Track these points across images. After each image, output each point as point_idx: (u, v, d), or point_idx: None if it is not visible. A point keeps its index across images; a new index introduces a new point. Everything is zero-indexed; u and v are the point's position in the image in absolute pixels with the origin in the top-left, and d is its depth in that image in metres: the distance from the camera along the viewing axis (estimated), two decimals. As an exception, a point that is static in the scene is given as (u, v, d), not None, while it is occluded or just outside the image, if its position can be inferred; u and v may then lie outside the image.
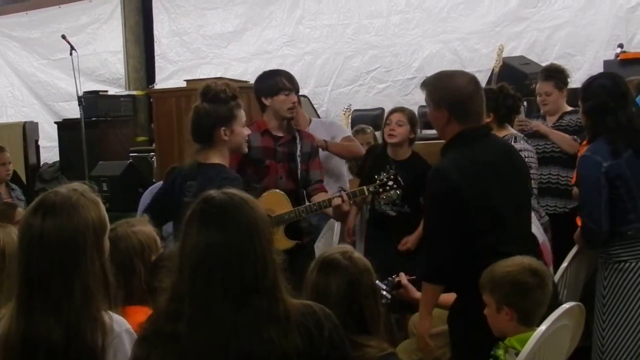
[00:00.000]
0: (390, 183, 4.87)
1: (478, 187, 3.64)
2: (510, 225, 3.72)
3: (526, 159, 5.08)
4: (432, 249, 3.83)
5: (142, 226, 3.18)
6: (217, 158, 4.28)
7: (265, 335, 2.19)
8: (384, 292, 3.95)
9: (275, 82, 5.14)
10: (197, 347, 2.18)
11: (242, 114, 4.35)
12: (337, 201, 4.87)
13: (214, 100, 4.26)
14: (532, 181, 5.12)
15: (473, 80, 3.86)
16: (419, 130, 7.73)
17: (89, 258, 2.50)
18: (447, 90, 3.79)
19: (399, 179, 4.87)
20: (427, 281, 3.81)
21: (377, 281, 3.95)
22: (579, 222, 5.00)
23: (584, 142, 5.35)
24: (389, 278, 4.07)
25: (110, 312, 2.54)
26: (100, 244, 2.56)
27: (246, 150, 4.55)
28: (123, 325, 2.54)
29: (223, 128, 4.25)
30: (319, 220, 5.92)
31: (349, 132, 6.73)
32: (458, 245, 3.66)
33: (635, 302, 4.22)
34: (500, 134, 5.19)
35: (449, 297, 3.87)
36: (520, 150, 5.09)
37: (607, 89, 4.38)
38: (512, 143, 5.13)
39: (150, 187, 6.70)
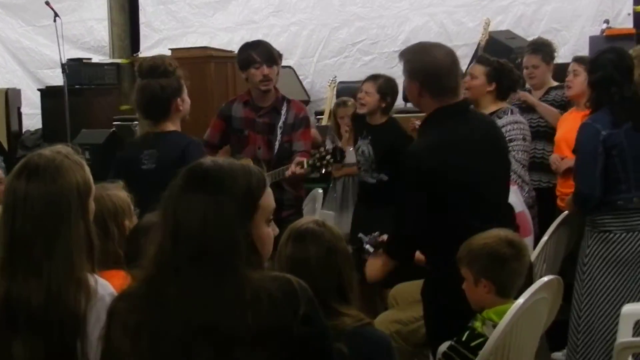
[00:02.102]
0: (328, 157, 4.86)
1: (452, 168, 3.65)
2: (486, 201, 3.74)
3: (513, 131, 5.09)
4: (398, 228, 3.86)
5: (116, 191, 3.19)
6: (171, 126, 4.44)
7: (238, 308, 2.15)
8: (367, 246, 3.97)
9: (247, 55, 5.21)
10: (172, 311, 2.16)
11: (184, 83, 4.50)
12: (290, 170, 4.89)
13: (164, 74, 4.38)
14: (525, 153, 5.14)
15: (450, 54, 3.84)
16: (404, 104, 7.77)
17: (74, 221, 2.51)
18: (421, 63, 3.79)
19: (338, 153, 4.87)
20: (387, 255, 3.84)
21: (360, 234, 3.99)
22: (559, 191, 5.04)
23: (567, 113, 5.38)
24: (373, 234, 4.07)
25: (96, 276, 2.54)
26: (85, 207, 2.57)
27: (187, 116, 4.60)
28: (107, 289, 2.54)
29: (178, 99, 4.40)
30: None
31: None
32: (423, 228, 3.71)
33: (616, 274, 4.26)
34: (496, 106, 5.18)
35: None
36: (509, 123, 5.11)
37: (614, 62, 4.45)
38: (503, 116, 5.14)
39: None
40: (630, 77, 4.46)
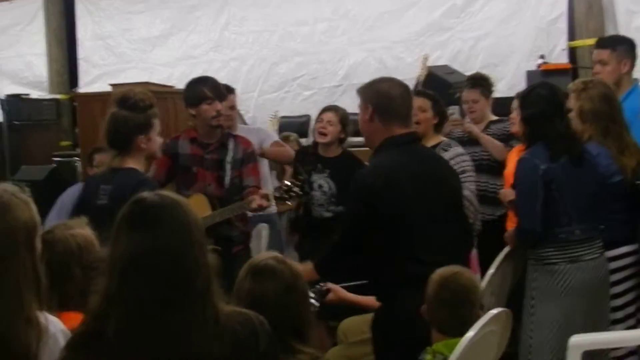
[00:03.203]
0: (296, 189, 4.87)
1: (397, 197, 3.70)
2: (431, 235, 3.77)
3: (464, 163, 5.17)
4: (335, 248, 3.92)
5: (80, 229, 3.12)
6: (132, 163, 4.30)
7: (193, 340, 2.17)
8: (313, 300, 3.98)
9: (198, 91, 5.18)
10: (122, 350, 2.16)
11: (157, 123, 4.39)
12: (255, 202, 4.88)
13: (133, 108, 4.28)
14: (473, 184, 5.22)
15: (403, 86, 3.98)
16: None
17: (21, 258, 2.47)
18: (375, 89, 3.93)
19: (306, 187, 4.89)
20: (317, 272, 3.94)
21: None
22: (508, 226, 5.10)
23: (516, 148, 5.46)
24: (317, 286, 4.10)
25: (46, 313, 2.51)
26: (33, 245, 2.54)
27: (159, 156, 4.56)
28: (58, 326, 2.52)
29: (141, 136, 4.28)
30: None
31: (276, 136, 6.75)
32: (357, 253, 3.77)
33: (564, 305, 4.31)
34: (437, 139, 5.29)
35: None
36: (458, 155, 5.20)
37: (545, 98, 4.50)
38: (448, 148, 5.23)
39: (69, 189, 6.63)
40: (563, 112, 4.52)
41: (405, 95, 3.92)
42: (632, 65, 5.57)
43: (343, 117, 5.68)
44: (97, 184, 4.35)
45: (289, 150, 6.22)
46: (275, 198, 4.94)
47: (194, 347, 2.17)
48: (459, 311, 3.43)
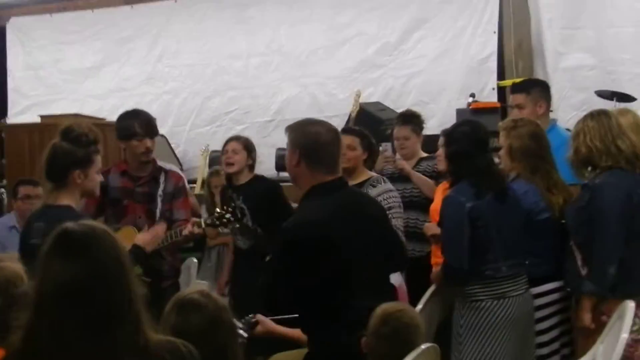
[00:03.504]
0: (228, 215, 4.86)
1: (326, 248, 3.69)
2: (361, 277, 3.77)
3: (391, 199, 5.20)
4: (269, 294, 3.91)
5: (10, 262, 3.03)
6: (67, 199, 4.19)
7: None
8: (241, 332, 3.95)
9: (128, 126, 5.13)
10: None
11: (98, 160, 4.30)
12: (187, 229, 4.84)
13: (74, 142, 4.18)
14: (402, 220, 5.25)
15: (333, 130, 3.94)
16: (276, 173, 7.84)
17: None
18: (303, 133, 3.88)
19: (238, 212, 4.88)
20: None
21: (233, 320, 3.97)
22: (433, 261, 5.13)
23: (442, 185, 5.50)
24: (246, 317, 4.08)
25: None
26: None
27: (97, 194, 4.48)
28: None
29: (78, 171, 4.18)
30: None
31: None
32: (289, 300, 3.77)
33: (491, 341, 4.34)
34: (367, 175, 5.32)
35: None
36: (385, 192, 5.23)
37: (468, 135, 4.56)
38: (377, 184, 5.25)
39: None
40: (485, 149, 4.58)
41: (333, 143, 3.88)
42: (548, 106, 5.76)
43: (246, 144, 5.84)
44: (31, 222, 4.24)
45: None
46: (207, 225, 4.92)
47: None
48: (397, 348, 3.44)
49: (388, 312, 3.51)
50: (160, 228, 4.82)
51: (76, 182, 4.19)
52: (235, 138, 5.95)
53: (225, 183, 6.53)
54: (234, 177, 5.80)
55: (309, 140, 3.82)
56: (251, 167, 5.86)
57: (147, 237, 4.70)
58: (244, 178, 5.79)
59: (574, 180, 4.84)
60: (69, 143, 4.20)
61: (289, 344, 4.32)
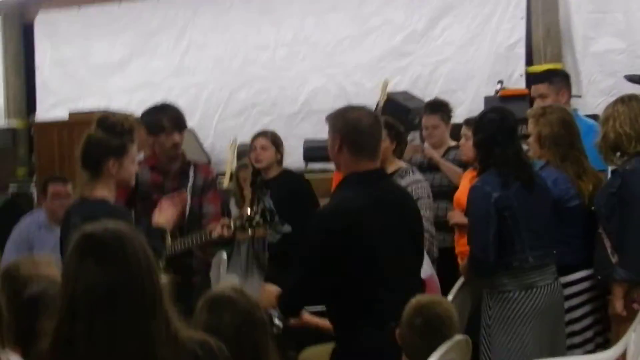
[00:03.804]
0: (257, 217, 4.84)
1: (357, 240, 3.67)
2: (392, 272, 3.76)
3: (420, 190, 5.19)
4: (293, 286, 3.91)
5: (46, 267, 3.00)
6: (104, 191, 4.15)
7: (159, 354, 2.18)
8: (277, 321, 3.96)
9: (157, 121, 5.09)
10: None
11: (134, 150, 4.25)
12: (217, 231, 4.82)
13: (108, 130, 4.15)
14: (431, 210, 5.22)
15: (373, 115, 3.95)
16: (304, 164, 7.84)
17: None
18: (344, 118, 3.87)
19: (267, 212, 4.85)
20: (282, 312, 3.93)
21: (270, 310, 3.99)
22: (457, 250, 5.12)
23: (468, 172, 5.48)
24: None
25: (8, 351, 2.43)
26: None
27: (132, 184, 4.47)
28: None
29: (112, 160, 4.13)
30: None
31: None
32: (315, 290, 3.75)
33: (520, 331, 4.32)
34: (396, 165, 5.30)
35: None
36: (414, 182, 5.21)
37: (496, 123, 4.52)
38: (406, 175, 5.23)
39: (25, 218, 6.55)
40: (514, 136, 4.54)
41: (375, 126, 3.88)
42: (569, 96, 5.81)
43: (274, 139, 5.86)
44: (69, 217, 4.19)
45: None
46: (237, 228, 4.89)
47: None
48: (429, 340, 3.43)
49: (422, 304, 3.51)
50: (177, 199, 4.79)
51: (110, 171, 4.13)
52: (263, 134, 5.95)
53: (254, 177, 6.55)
54: (262, 171, 5.83)
55: (350, 126, 3.82)
56: (279, 161, 5.88)
57: (166, 215, 4.65)
58: (273, 172, 5.83)
59: (600, 166, 4.82)
60: (103, 132, 4.16)
61: (322, 337, 4.32)
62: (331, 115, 3.97)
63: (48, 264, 3.06)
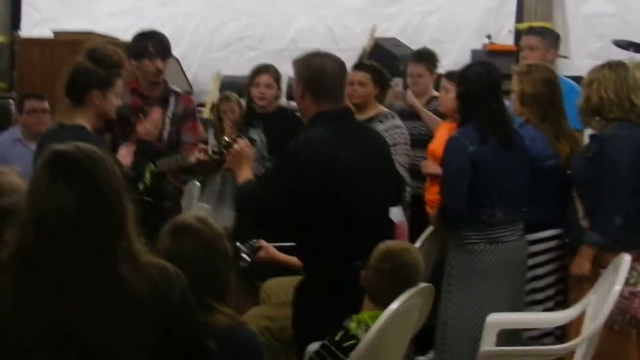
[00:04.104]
0: (235, 145, 4.83)
1: (323, 173, 3.70)
2: (360, 209, 3.79)
3: (397, 135, 5.21)
4: (259, 202, 3.87)
5: (9, 176, 3.04)
6: (82, 119, 4.21)
7: (121, 272, 2.21)
8: (244, 255, 4.00)
9: (142, 45, 5.12)
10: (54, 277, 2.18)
11: (119, 84, 4.34)
12: (194, 156, 4.82)
13: (98, 62, 4.22)
14: (407, 157, 5.25)
15: (338, 63, 3.96)
16: (286, 101, 7.82)
17: None
18: (308, 65, 3.91)
19: (245, 138, 4.83)
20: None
21: (237, 243, 4.01)
22: (426, 197, 5.16)
23: (444, 124, 5.50)
24: (250, 242, 4.12)
25: None
26: None
27: (113, 117, 4.49)
28: None
29: (97, 92, 4.21)
30: None
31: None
32: (282, 207, 3.75)
33: (481, 284, 4.37)
34: (376, 109, 5.31)
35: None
36: (392, 128, 5.23)
37: (481, 76, 4.51)
38: (385, 120, 5.24)
39: (2, 134, 6.53)
40: (498, 91, 4.54)
41: (338, 74, 3.90)
42: (555, 56, 5.95)
43: (277, 75, 5.77)
44: (46, 141, 4.18)
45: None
46: (214, 153, 4.90)
47: (122, 279, 2.21)
48: (395, 285, 3.46)
49: (390, 250, 3.55)
50: (156, 114, 4.83)
51: (94, 102, 4.22)
52: (265, 69, 5.81)
53: (237, 110, 6.50)
54: (258, 105, 5.76)
55: (314, 73, 3.85)
56: (277, 96, 5.84)
57: (148, 127, 4.72)
58: (270, 108, 5.76)
59: (578, 126, 4.85)
60: (92, 63, 4.22)
61: (288, 271, 4.37)
62: (297, 60, 3.99)
63: (12, 172, 3.08)
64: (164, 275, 2.31)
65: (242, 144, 4.24)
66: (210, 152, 4.85)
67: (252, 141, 4.80)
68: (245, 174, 4.02)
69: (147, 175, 4.75)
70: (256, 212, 3.94)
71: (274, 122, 5.63)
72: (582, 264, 4.45)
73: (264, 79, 5.70)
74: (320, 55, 3.99)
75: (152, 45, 5.12)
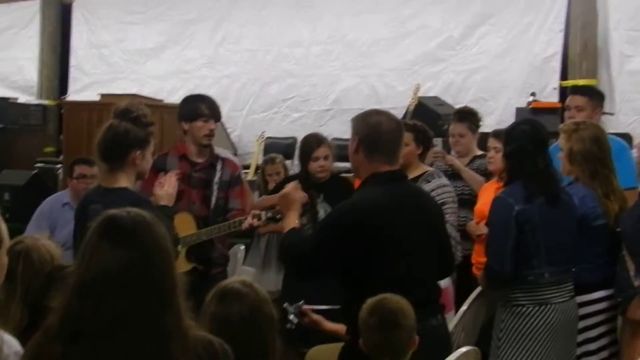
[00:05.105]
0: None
1: (373, 234, 3.65)
2: (408, 273, 3.72)
3: (445, 194, 5.15)
4: (307, 251, 3.79)
5: (45, 241, 3.05)
6: (124, 181, 4.16)
7: (171, 349, 2.17)
8: (291, 316, 3.95)
9: (195, 107, 5.13)
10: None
11: (153, 142, 4.32)
12: (247, 221, 4.81)
13: (134, 122, 4.23)
14: (456, 215, 5.19)
15: (395, 121, 3.92)
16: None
17: None
18: (365, 121, 3.87)
19: (307, 206, 4.79)
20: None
21: (285, 304, 3.97)
22: (474, 259, 5.08)
23: (490, 183, 5.45)
24: (298, 303, 4.06)
25: (2, 332, 2.43)
26: None
27: (147, 176, 4.47)
28: (13, 347, 2.43)
29: (138, 151, 4.16)
30: None
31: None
32: (325, 263, 3.70)
33: (530, 347, 4.28)
34: (421, 169, 5.27)
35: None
36: (440, 187, 5.17)
37: (528, 134, 4.47)
38: (431, 179, 5.20)
39: (48, 198, 6.57)
40: (545, 149, 4.50)
41: (394, 130, 3.85)
42: (600, 116, 5.83)
43: (331, 145, 5.66)
44: (88, 203, 4.19)
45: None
46: (268, 219, 4.88)
47: (171, 356, 2.16)
48: (388, 335, 3.37)
49: (372, 304, 3.44)
50: (174, 178, 4.76)
51: (135, 162, 4.16)
52: (322, 142, 5.66)
53: (282, 172, 6.50)
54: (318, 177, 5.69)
55: (369, 129, 3.82)
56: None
57: (169, 191, 4.65)
58: (325, 176, 5.72)
59: (629, 184, 4.78)
60: (128, 122, 4.20)
61: (332, 337, 4.31)
62: (355, 116, 3.97)
63: (46, 239, 3.09)
64: (209, 352, 2.25)
65: (290, 186, 4.15)
66: (263, 217, 4.82)
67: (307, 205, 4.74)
68: (291, 221, 3.98)
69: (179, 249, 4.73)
70: (292, 263, 3.92)
71: (332, 190, 5.55)
72: (635, 312, 4.36)
73: (322, 152, 5.58)
74: (378, 113, 3.98)
75: (205, 106, 5.14)
